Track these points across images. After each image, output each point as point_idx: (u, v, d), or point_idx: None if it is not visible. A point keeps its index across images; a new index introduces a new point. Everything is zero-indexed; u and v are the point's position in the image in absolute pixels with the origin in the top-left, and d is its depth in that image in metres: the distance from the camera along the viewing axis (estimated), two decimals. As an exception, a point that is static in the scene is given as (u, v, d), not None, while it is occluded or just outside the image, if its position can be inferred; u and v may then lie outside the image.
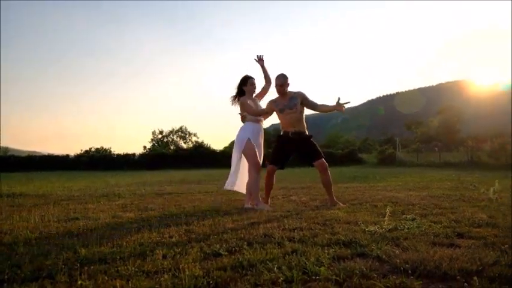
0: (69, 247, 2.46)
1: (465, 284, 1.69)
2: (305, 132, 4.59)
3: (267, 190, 4.65)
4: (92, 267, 2.00)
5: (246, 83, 4.69)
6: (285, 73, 4.56)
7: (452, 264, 1.92)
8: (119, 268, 1.98)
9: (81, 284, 1.76)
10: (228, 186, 4.68)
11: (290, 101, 4.51)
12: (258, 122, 4.67)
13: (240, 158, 4.61)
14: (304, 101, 4.55)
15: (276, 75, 4.58)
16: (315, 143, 4.61)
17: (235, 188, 4.71)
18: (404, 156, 24.04)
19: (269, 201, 4.67)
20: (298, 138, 4.53)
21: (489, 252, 2.17)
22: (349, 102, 4.37)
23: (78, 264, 2.03)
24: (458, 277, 1.77)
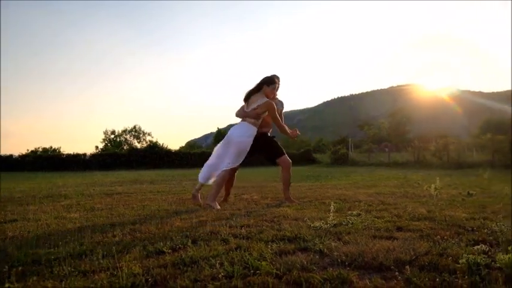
0: (0, 249, 2.31)
1: (397, 272, 1.77)
2: (268, 133, 4.64)
3: (230, 188, 4.73)
4: (23, 268, 1.89)
5: (270, 84, 4.28)
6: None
7: (388, 255, 2.00)
8: (54, 269, 1.88)
9: (8, 286, 1.65)
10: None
11: (277, 104, 4.50)
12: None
13: (234, 157, 4.21)
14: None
15: (274, 75, 4.42)
16: (277, 142, 4.68)
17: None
18: (356, 156, 24.88)
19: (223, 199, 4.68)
20: (263, 138, 4.52)
21: (423, 243, 2.29)
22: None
23: (7, 267, 1.90)
24: (392, 267, 1.85)
